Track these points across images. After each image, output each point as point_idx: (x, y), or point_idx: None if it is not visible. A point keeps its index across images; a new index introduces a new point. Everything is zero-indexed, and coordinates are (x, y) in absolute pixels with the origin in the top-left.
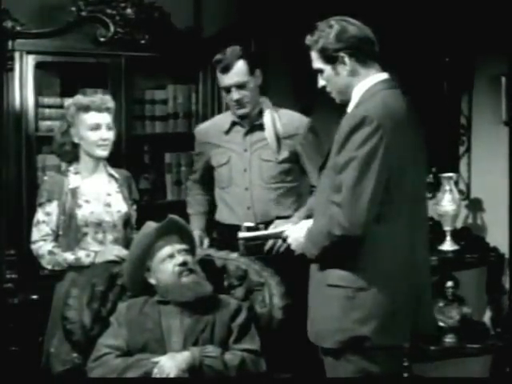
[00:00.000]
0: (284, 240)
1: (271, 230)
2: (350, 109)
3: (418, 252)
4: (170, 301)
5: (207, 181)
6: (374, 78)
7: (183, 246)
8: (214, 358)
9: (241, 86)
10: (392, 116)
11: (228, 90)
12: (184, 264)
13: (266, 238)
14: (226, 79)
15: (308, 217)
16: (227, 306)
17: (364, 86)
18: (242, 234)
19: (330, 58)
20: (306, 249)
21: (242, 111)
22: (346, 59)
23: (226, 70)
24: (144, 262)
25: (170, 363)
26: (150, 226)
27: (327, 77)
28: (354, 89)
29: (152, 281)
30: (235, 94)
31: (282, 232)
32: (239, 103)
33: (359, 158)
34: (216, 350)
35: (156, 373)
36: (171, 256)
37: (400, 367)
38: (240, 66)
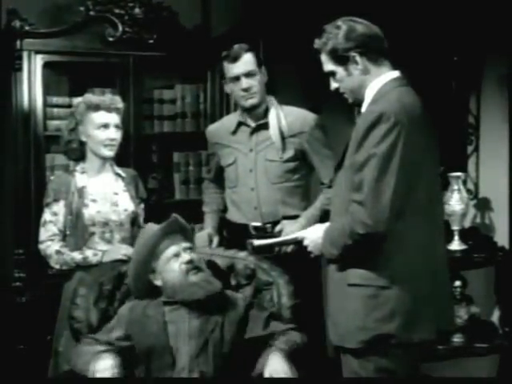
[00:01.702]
0: (299, 244)
1: (285, 236)
2: (364, 108)
3: (436, 248)
4: (176, 302)
5: (221, 180)
6: (386, 76)
7: (188, 245)
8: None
9: (249, 75)
10: (408, 113)
11: (237, 78)
12: (190, 262)
13: (281, 244)
14: (235, 68)
15: (319, 216)
16: (235, 303)
17: (377, 84)
18: (256, 242)
19: (341, 58)
20: (325, 250)
21: (250, 101)
22: (358, 58)
23: (235, 59)
24: (149, 264)
25: None
26: (153, 227)
27: (340, 78)
28: (367, 88)
29: (157, 282)
30: (244, 83)
31: (295, 238)
32: (249, 92)
33: (379, 154)
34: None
35: None
36: (177, 255)
37: (417, 366)
38: (248, 56)
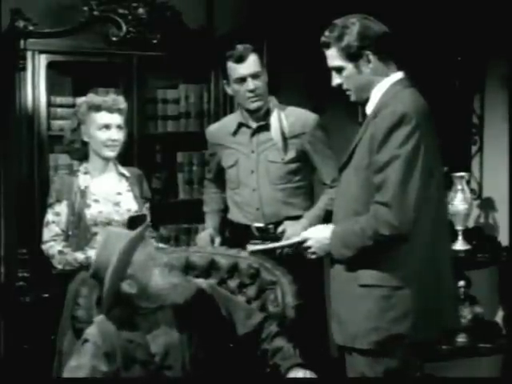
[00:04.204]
0: (295, 248)
1: (282, 241)
2: (369, 107)
3: (443, 248)
4: (153, 312)
5: (222, 180)
6: (393, 76)
7: (157, 244)
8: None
9: (256, 76)
10: (423, 114)
11: (243, 79)
12: (168, 263)
13: (276, 249)
14: (242, 69)
15: (321, 216)
16: (210, 295)
17: (385, 84)
18: (251, 248)
19: (354, 55)
20: (335, 251)
21: (256, 104)
22: (371, 57)
23: (241, 59)
24: (125, 272)
25: None
26: (121, 232)
27: (348, 75)
28: (374, 87)
29: (131, 290)
30: (251, 84)
31: (293, 243)
32: (255, 93)
33: (403, 156)
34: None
35: None
36: (153, 258)
37: (421, 366)
38: (254, 57)
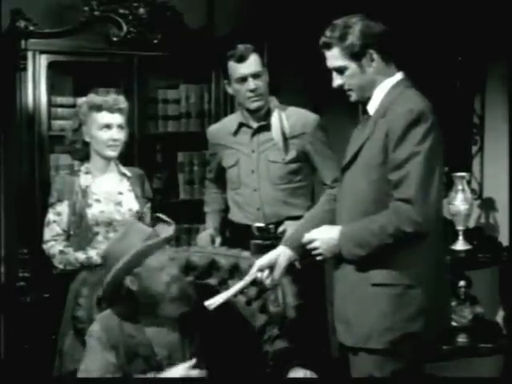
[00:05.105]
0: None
1: (236, 285)
2: (371, 107)
3: (444, 247)
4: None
5: (222, 180)
6: (395, 76)
7: (172, 254)
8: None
9: (257, 76)
10: (433, 113)
11: (244, 79)
12: (176, 275)
13: (238, 292)
14: (243, 69)
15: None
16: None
17: (387, 84)
18: (208, 302)
19: (357, 54)
20: (345, 251)
21: (257, 103)
22: (374, 56)
23: (242, 59)
24: (132, 269)
25: None
26: (140, 226)
27: (351, 74)
28: (377, 87)
29: (132, 287)
30: (252, 84)
31: (250, 282)
32: (256, 93)
33: (423, 153)
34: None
35: None
36: (163, 268)
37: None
38: (255, 57)
